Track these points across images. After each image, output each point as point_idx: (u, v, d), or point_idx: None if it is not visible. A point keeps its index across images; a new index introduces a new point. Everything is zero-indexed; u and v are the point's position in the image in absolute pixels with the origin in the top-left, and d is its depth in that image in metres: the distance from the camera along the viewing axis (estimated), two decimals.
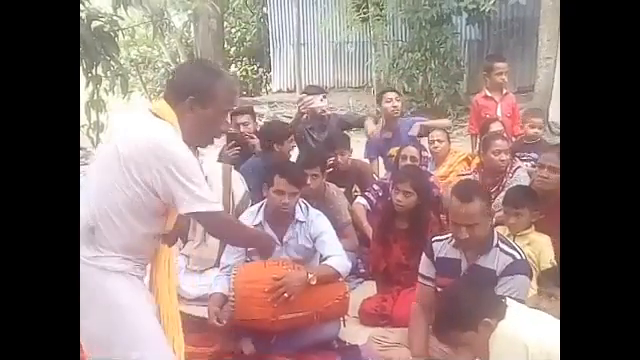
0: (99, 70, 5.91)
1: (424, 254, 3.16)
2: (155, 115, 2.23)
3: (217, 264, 4.01)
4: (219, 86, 2.27)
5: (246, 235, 2.74)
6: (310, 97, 5.38)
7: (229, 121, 2.39)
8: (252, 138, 5.20)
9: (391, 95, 5.64)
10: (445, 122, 6.25)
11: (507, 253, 2.90)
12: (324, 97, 5.49)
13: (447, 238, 3.06)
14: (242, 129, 5.18)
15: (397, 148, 5.15)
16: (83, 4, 6.10)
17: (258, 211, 3.73)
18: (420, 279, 3.17)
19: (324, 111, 5.44)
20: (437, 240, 3.11)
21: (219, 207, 2.28)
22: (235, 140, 5.09)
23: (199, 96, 2.23)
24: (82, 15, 5.96)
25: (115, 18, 6.17)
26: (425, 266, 3.15)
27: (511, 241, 3.13)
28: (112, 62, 6.18)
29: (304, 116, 5.44)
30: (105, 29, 5.99)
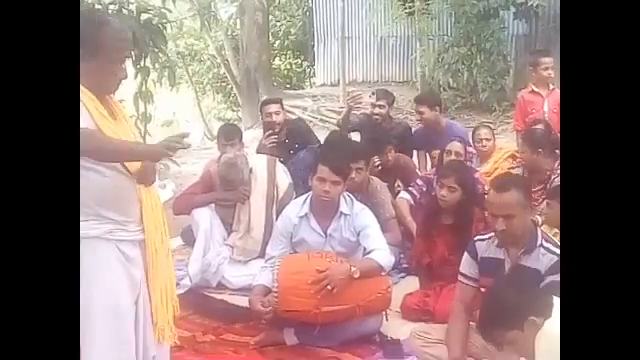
0: (147, 62, 6.02)
1: (466, 253, 3.11)
2: None
3: (261, 255, 4.06)
4: (104, 35, 2.28)
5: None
6: (359, 92, 5.44)
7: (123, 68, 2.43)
8: (281, 130, 5.27)
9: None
10: None
11: (552, 252, 2.84)
12: (373, 94, 5.54)
13: (490, 237, 3.02)
14: (272, 119, 5.26)
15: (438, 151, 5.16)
16: None
17: (304, 202, 3.75)
18: (461, 278, 3.12)
19: (377, 114, 5.52)
20: (480, 240, 3.06)
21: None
22: (272, 129, 5.17)
23: (86, 47, 2.25)
24: (132, 7, 6.09)
25: (163, 11, 6.27)
26: (467, 265, 3.10)
27: (558, 241, 3.08)
28: (160, 54, 6.29)
29: (361, 114, 5.52)
30: (154, 21, 6.10)
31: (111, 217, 2.33)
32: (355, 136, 5.53)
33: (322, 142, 5.25)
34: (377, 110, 5.62)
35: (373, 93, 5.70)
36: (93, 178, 2.28)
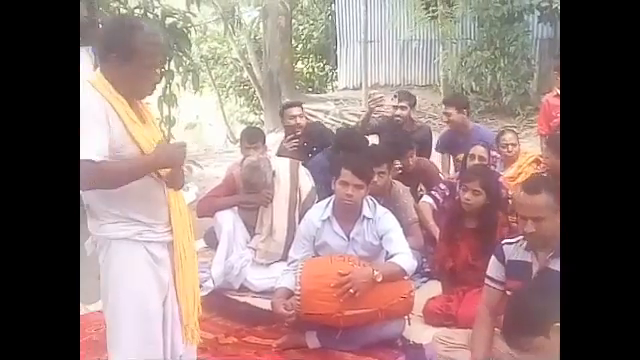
0: (171, 65, 6.07)
1: (493, 257, 3.10)
2: (92, 87, 2.29)
3: (284, 258, 4.07)
4: (137, 39, 2.31)
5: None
6: (380, 95, 5.44)
7: (158, 72, 2.48)
8: (302, 135, 5.29)
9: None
10: None
11: None
12: (395, 96, 5.54)
13: (518, 241, 3.00)
14: (294, 122, 5.28)
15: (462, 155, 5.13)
16: (158, 1, 6.30)
17: (327, 206, 3.76)
18: (488, 281, 3.11)
19: (398, 116, 5.51)
20: (508, 243, 3.05)
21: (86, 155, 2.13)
22: (293, 133, 5.19)
23: (120, 52, 2.30)
24: (157, 12, 6.15)
25: (188, 15, 6.33)
26: (494, 269, 3.09)
27: None
28: (184, 58, 6.35)
29: (372, 114, 5.51)
30: (178, 25, 6.16)
31: (140, 219, 2.36)
32: (373, 139, 5.52)
33: (335, 141, 5.20)
34: (399, 112, 5.61)
35: (395, 95, 5.71)
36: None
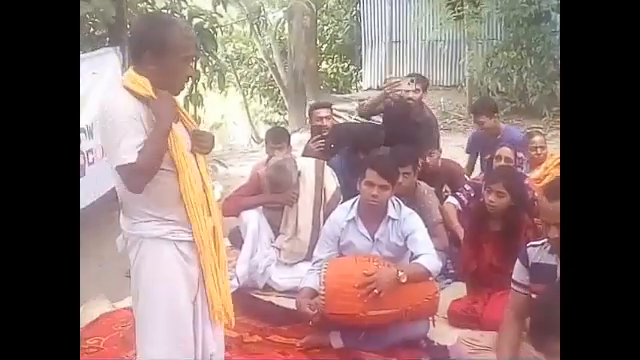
0: (197, 66, 6.13)
1: (518, 260, 3.08)
2: (125, 87, 2.33)
3: (308, 258, 4.08)
4: (170, 35, 2.32)
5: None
6: (397, 79, 5.40)
7: (191, 67, 2.52)
8: (328, 135, 5.29)
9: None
10: None
11: None
12: (412, 81, 5.47)
13: (543, 244, 2.98)
14: (321, 123, 5.28)
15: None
16: (185, 1, 6.36)
17: (352, 206, 3.76)
18: (513, 285, 3.09)
19: (410, 98, 5.41)
20: (532, 246, 3.02)
21: (122, 160, 2.24)
22: (320, 133, 5.19)
23: (154, 48, 2.31)
24: (184, 12, 6.21)
25: (214, 15, 6.38)
26: (519, 272, 3.06)
27: None
28: (210, 58, 6.40)
29: (387, 99, 5.43)
30: (205, 26, 6.22)
31: (172, 219, 2.39)
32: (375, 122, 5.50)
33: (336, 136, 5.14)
34: (411, 94, 5.49)
35: (412, 80, 5.61)
36: (162, 181, 2.34)
